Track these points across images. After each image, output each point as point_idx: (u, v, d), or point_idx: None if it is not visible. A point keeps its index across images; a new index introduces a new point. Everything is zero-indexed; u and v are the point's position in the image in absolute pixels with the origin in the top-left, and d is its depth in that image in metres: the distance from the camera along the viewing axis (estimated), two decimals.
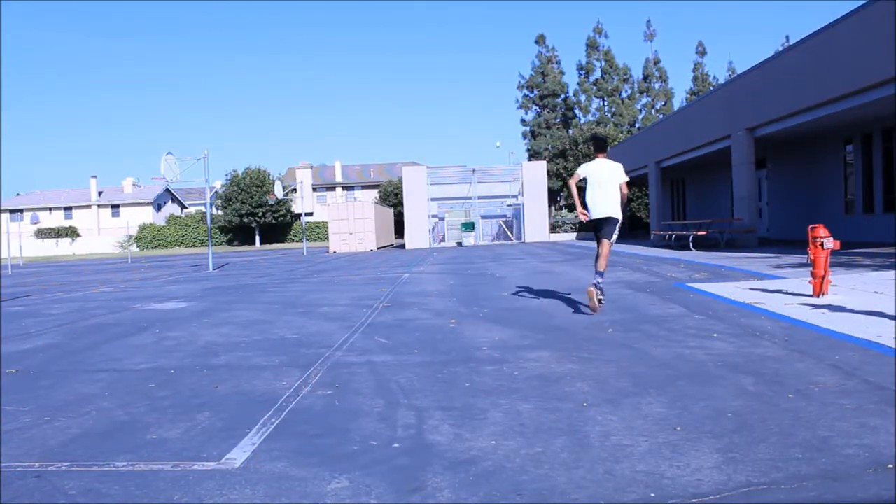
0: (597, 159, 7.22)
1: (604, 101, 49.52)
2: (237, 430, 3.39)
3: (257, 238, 56.62)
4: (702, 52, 51.22)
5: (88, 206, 66.32)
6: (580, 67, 49.70)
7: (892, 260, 10.65)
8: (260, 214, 54.42)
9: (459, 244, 33.00)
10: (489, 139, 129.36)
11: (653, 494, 2.37)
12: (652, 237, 24.03)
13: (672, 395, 3.65)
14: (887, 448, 2.70)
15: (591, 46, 49.27)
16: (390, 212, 42.09)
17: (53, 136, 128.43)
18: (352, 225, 31.92)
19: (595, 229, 7.18)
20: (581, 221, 37.11)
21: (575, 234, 34.39)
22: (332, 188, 69.38)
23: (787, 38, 53.61)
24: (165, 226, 60.55)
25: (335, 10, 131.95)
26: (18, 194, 72.24)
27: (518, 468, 2.70)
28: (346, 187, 69.42)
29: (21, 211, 66.06)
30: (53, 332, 7.38)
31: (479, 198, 33.93)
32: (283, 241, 58.60)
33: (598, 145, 7.30)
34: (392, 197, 52.76)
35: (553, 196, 40.34)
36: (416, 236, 32.21)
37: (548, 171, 35.68)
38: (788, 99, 15.07)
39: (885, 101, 12.34)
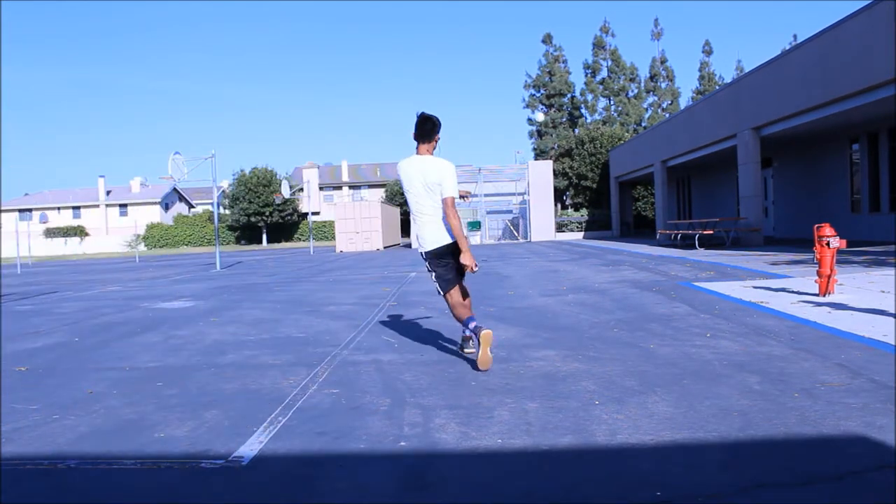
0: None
1: (610, 100, 49.34)
2: (244, 427, 3.41)
3: (264, 237, 56.76)
4: (708, 52, 51.06)
5: (97, 206, 66.64)
6: (587, 66, 49.55)
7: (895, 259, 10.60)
8: (267, 214, 54.56)
9: None
10: (495, 138, 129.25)
11: (659, 493, 2.38)
12: (658, 236, 23.97)
13: (678, 394, 3.65)
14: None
15: (598, 46, 49.12)
16: (396, 211, 42.09)
17: (62, 135, 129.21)
18: (358, 224, 31.95)
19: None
20: (588, 220, 36.72)
21: (581, 234, 34.34)
22: (338, 187, 69.47)
23: (795, 36, 53.35)
24: (173, 225, 60.69)
25: (343, 9, 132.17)
26: (27, 194, 72.69)
27: (525, 467, 2.71)
28: (353, 186, 69.49)
29: (30, 210, 66.47)
30: (62, 331, 7.43)
31: (486, 195, 33.90)
32: (289, 240, 58.71)
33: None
34: (398, 196, 52.76)
35: (559, 195, 40.25)
36: None
37: (554, 171, 35.62)
38: (794, 98, 15.01)
39: (891, 99, 12.28)
